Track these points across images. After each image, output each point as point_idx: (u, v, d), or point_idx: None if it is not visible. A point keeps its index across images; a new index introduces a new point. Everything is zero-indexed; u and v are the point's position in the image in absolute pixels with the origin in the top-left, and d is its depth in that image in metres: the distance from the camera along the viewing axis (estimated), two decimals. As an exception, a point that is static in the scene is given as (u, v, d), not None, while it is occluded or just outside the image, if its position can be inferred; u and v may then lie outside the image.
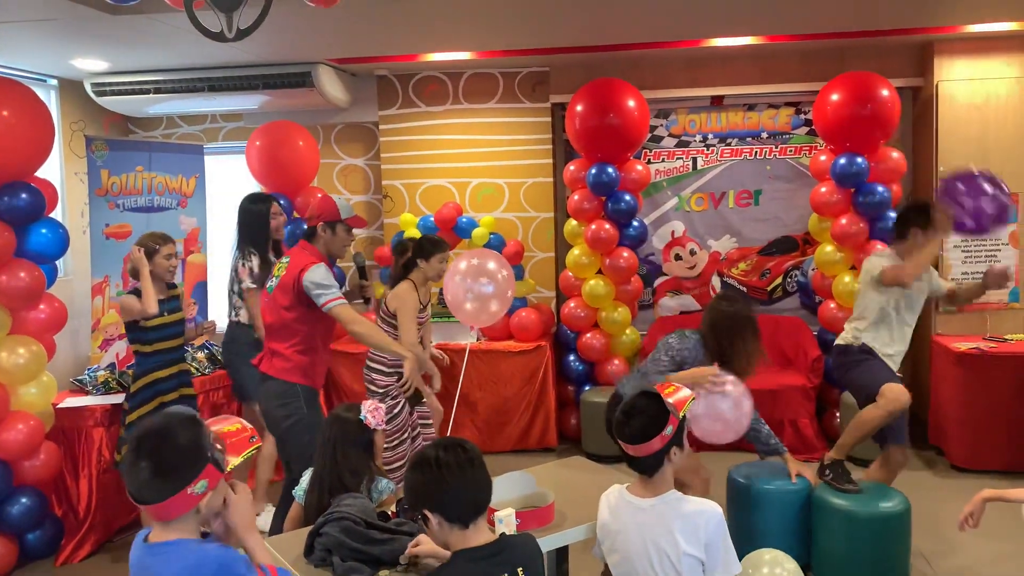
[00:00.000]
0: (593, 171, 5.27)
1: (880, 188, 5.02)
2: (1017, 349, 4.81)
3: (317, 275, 3.35)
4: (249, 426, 1.90)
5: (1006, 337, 5.04)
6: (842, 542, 3.36)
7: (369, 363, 4.13)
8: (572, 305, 5.49)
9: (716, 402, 3.12)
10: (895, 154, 5.12)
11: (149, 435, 1.70)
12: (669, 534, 2.24)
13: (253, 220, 4.38)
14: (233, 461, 1.79)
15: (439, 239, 4.21)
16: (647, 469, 2.29)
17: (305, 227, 3.64)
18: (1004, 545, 3.84)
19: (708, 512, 2.25)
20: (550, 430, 5.41)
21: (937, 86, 5.20)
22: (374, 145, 6.20)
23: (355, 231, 3.64)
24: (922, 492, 4.46)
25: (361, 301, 3.90)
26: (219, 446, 1.78)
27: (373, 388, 4.09)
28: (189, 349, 4.65)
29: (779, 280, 5.91)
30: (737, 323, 3.25)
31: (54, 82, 5.57)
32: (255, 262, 4.29)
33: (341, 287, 3.72)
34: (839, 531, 3.36)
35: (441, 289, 4.87)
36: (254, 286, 4.26)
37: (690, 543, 2.22)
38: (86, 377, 4.50)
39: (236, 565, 1.74)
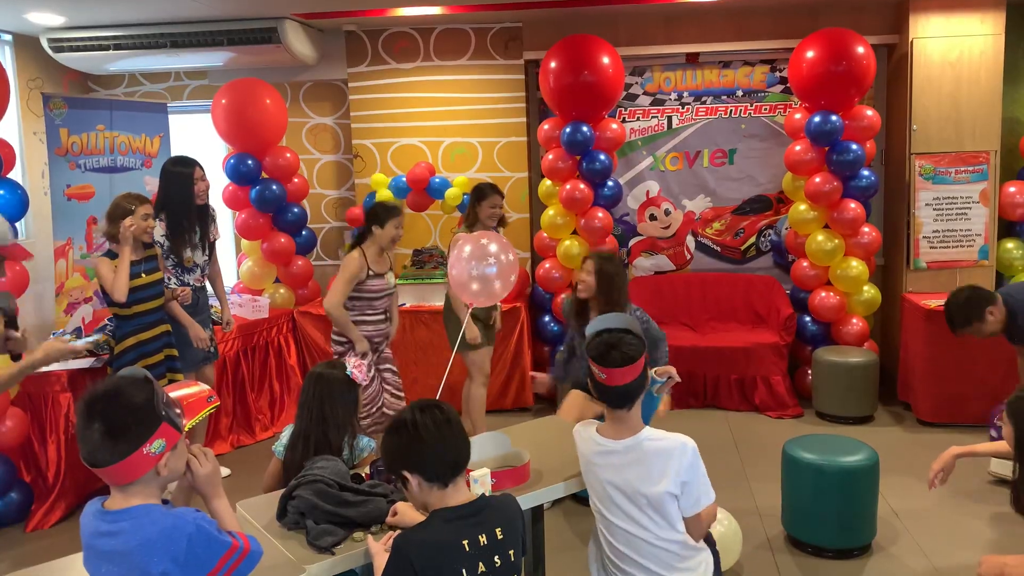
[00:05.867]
0: (567, 130, 5.20)
1: (854, 146, 5.02)
2: (985, 306, 4.86)
3: None
4: (207, 387, 1.86)
5: (974, 294, 5.10)
6: (810, 495, 3.41)
7: (332, 335, 4.14)
8: (547, 266, 5.47)
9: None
10: (870, 112, 5.11)
11: (100, 397, 1.64)
12: (646, 475, 2.25)
13: (173, 183, 4.15)
14: (190, 421, 1.75)
15: (393, 205, 4.19)
16: (627, 400, 2.28)
17: None
18: (970, 497, 3.93)
19: (681, 448, 2.25)
20: (526, 390, 5.41)
21: (912, 43, 5.18)
22: (343, 103, 6.07)
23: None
24: (890, 446, 4.54)
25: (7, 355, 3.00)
26: (176, 409, 1.74)
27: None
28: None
29: (753, 239, 5.92)
30: None
31: (8, 37, 5.36)
32: (159, 227, 4.09)
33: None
34: (807, 484, 3.40)
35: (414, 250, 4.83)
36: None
37: (666, 481, 2.23)
38: (51, 342, 4.40)
39: (211, 527, 1.71)
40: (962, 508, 3.83)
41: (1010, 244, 5.29)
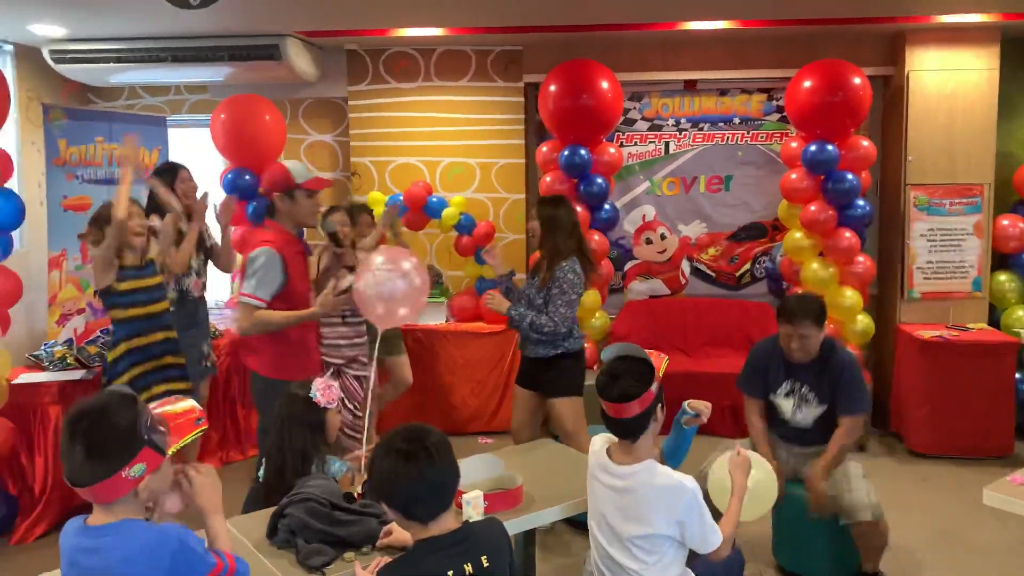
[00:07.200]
0: (565, 153, 5.22)
1: (849, 176, 5.05)
2: (978, 337, 4.89)
3: (253, 259, 3.27)
4: (198, 407, 1.82)
5: (968, 326, 5.13)
6: (800, 525, 3.39)
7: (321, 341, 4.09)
8: (542, 287, 5.46)
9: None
10: (865, 142, 5.15)
11: (83, 415, 1.62)
12: (636, 509, 2.22)
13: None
14: (175, 445, 1.71)
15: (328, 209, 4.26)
16: (631, 432, 2.26)
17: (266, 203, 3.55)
18: (960, 528, 3.91)
19: (679, 488, 2.20)
20: (518, 412, 5.39)
21: (908, 75, 5.24)
22: (343, 121, 6.09)
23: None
24: (881, 476, 4.53)
25: (345, 270, 3.87)
26: (161, 428, 1.70)
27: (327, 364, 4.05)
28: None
29: (747, 266, 5.95)
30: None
31: (10, 48, 5.37)
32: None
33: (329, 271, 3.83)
34: (797, 514, 3.37)
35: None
36: None
37: (658, 521, 2.19)
38: (42, 352, 4.37)
39: (197, 545, 1.69)
40: (952, 539, 3.82)
41: (1003, 277, 5.33)
